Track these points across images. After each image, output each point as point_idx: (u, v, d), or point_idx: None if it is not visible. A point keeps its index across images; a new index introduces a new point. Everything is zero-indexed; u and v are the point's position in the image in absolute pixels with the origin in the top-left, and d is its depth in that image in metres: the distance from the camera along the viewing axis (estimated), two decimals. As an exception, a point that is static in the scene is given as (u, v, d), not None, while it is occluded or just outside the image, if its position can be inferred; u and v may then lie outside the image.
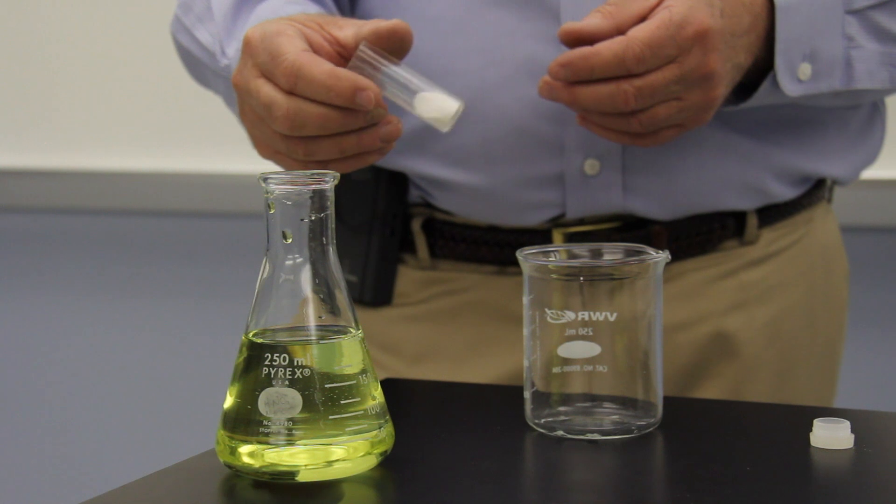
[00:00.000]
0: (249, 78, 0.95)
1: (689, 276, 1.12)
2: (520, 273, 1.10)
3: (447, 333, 1.15)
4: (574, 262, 0.90)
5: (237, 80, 0.97)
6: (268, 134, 0.96)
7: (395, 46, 0.95)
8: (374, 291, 1.15)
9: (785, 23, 1.02)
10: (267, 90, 0.93)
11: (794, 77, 1.04)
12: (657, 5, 0.97)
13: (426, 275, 1.15)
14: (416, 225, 1.14)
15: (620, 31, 0.97)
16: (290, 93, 0.92)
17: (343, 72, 0.91)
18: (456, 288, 1.14)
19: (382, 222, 1.14)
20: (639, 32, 0.96)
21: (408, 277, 1.16)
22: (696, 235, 1.12)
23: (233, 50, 1.07)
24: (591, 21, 0.98)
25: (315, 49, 0.95)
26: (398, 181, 1.14)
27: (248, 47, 0.95)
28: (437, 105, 0.94)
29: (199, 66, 1.14)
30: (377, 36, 0.95)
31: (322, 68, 0.91)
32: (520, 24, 1.06)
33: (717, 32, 0.97)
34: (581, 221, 1.10)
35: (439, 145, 1.08)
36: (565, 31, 0.99)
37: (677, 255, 1.10)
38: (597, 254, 0.91)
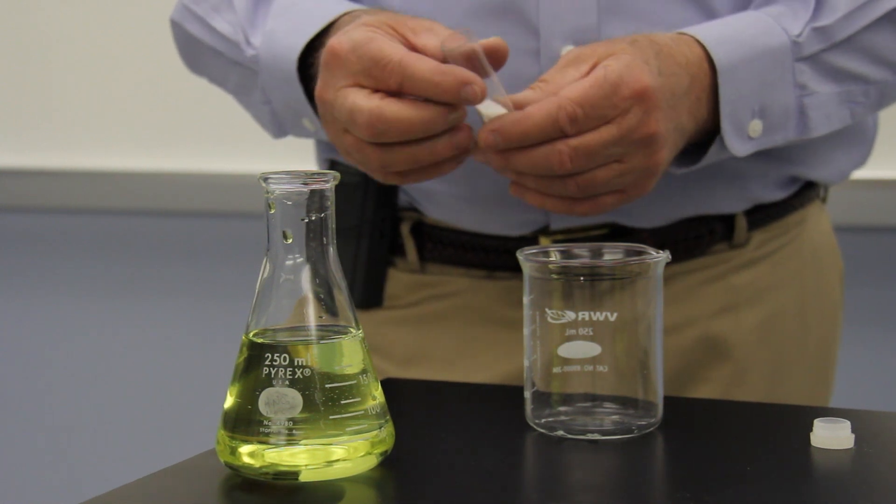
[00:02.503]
0: (338, 88, 0.93)
1: (676, 280, 1.10)
2: (507, 278, 1.11)
3: (436, 336, 1.14)
4: (574, 262, 0.90)
5: (322, 94, 0.95)
6: (348, 143, 0.95)
7: (493, 63, 0.94)
8: (363, 294, 1.15)
9: (729, 84, 0.98)
10: (352, 97, 0.92)
11: (744, 136, 1.00)
12: (591, 69, 0.93)
13: (415, 278, 1.15)
14: (405, 228, 1.14)
15: None
16: (396, 93, 0.91)
17: (448, 67, 0.90)
18: (445, 291, 1.14)
19: (372, 225, 1.14)
20: (570, 92, 0.91)
21: (398, 280, 1.16)
22: (684, 241, 1.10)
23: (258, 40, 1.06)
24: (523, 94, 0.94)
25: None
26: (387, 185, 1.13)
27: (335, 59, 0.93)
28: None
29: (206, 55, 1.13)
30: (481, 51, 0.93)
31: (429, 65, 0.90)
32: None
33: (657, 91, 0.93)
34: (567, 230, 1.09)
35: None
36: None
37: None
38: (597, 254, 0.91)
